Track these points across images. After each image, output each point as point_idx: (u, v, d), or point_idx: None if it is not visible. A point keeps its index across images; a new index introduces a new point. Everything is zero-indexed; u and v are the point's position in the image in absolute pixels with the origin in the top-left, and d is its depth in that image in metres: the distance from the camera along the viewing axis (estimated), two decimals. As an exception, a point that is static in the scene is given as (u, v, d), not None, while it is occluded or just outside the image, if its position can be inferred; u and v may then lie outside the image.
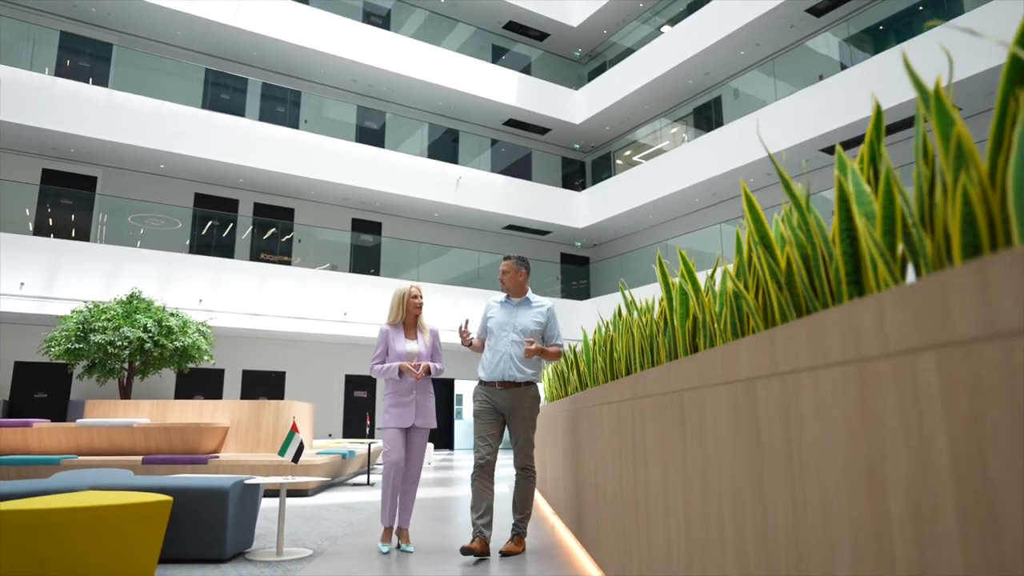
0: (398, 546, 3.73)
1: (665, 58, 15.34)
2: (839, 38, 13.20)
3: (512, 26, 18.59)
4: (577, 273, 19.61)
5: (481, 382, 3.69)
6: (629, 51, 17.57)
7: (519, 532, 3.61)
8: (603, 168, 19.74)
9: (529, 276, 3.82)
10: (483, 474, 3.52)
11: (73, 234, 13.06)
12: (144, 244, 13.51)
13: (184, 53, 14.96)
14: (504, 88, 17.57)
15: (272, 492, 6.39)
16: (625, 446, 2.14)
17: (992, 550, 0.57)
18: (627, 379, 2.15)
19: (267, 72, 15.93)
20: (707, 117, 16.32)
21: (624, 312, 2.65)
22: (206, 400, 7.63)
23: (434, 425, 3.93)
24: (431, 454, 11.51)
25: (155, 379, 12.47)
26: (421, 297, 3.99)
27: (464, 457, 13.99)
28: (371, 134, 16.93)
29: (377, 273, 16.10)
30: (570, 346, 4.22)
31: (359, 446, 9.01)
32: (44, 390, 12.71)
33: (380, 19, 17.60)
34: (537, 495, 6.29)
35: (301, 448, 3.97)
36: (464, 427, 18.24)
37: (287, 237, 15.60)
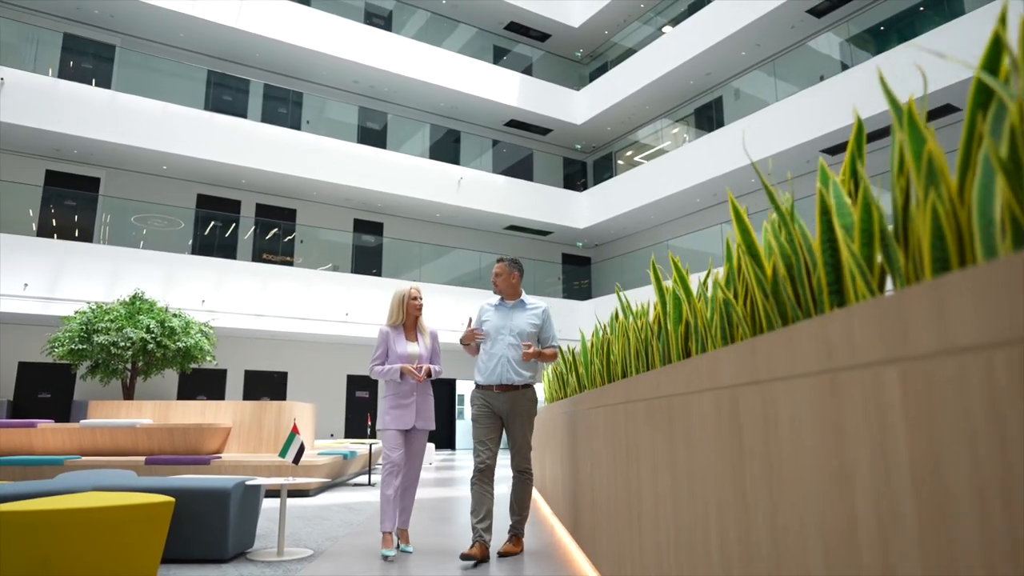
0: (397, 546, 3.74)
1: (666, 58, 15.36)
2: (840, 38, 13.21)
3: (513, 27, 18.62)
4: (578, 273, 19.64)
5: (478, 386, 3.67)
6: (630, 52, 17.59)
7: (516, 533, 3.64)
8: (604, 168, 19.76)
9: (522, 278, 3.80)
10: (483, 478, 3.52)
11: (76, 235, 13.13)
12: (147, 245, 13.57)
13: (186, 54, 15.02)
14: (505, 89, 17.61)
15: (274, 492, 6.43)
16: (619, 449, 2.17)
17: (946, 554, 0.60)
18: (620, 383, 2.19)
19: (269, 73, 15.99)
20: (708, 117, 16.34)
21: (621, 316, 2.68)
22: (208, 401, 7.69)
23: (433, 427, 3.92)
24: (432, 454, 11.56)
25: (158, 379, 12.53)
26: (421, 299, 3.97)
27: (466, 457, 14.03)
28: (373, 135, 16.98)
29: (379, 274, 16.15)
30: (569, 347, 4.24)
31: (360, 446, 9.06)
32: (48, 390, 12.78)
33: (382, 20, 17.65)
34: (537, 496, 6.32)
35: (302, 449, 4.01)
36: (466, 427, 18.28)
37: (289, 238, 15.66)
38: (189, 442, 6.61)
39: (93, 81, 13.57)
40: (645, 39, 17.22)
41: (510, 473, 3.75)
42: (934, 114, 10.11)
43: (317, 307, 14.01)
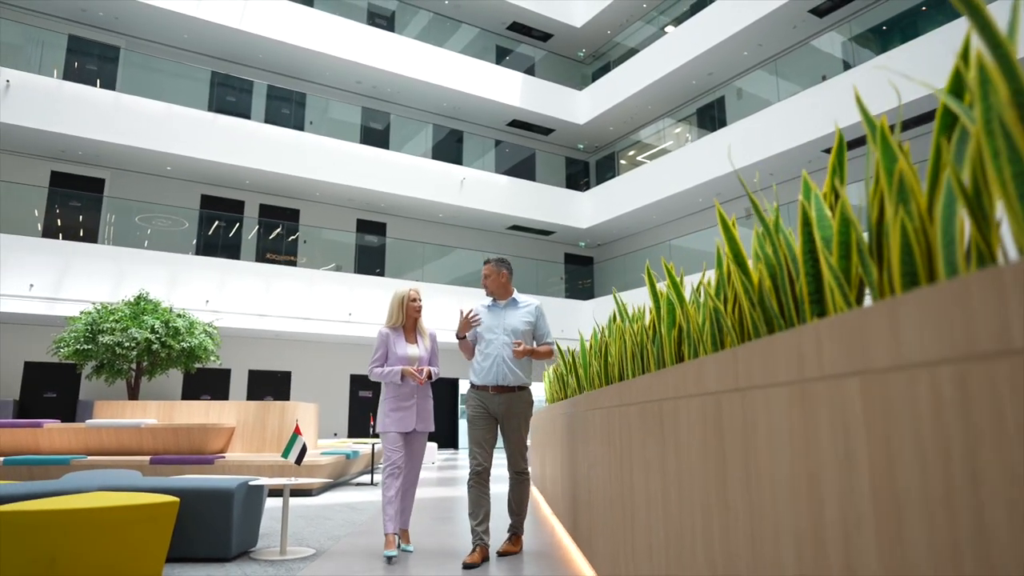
0: (398, 546, 3.78)
1: (668, 58, 15.38)
2: (843, 37, 13.22)
3: (516, 27, 18.66)
4: (581, 273, 19.67)
5: (474, 386, 3.68)
6: (633, 51, 17.61)
7: (516, 532, 3.68)
8: (607, 168, 19.79)
9: (512, 276, 3.80)
10: (480, 481, 3.55)
11: (81, 236, 13.21)
12: (151, 245, 13.66)
13: (190, 56, 15.10)
14: (508, 89, 17.65)
15: (277, 492, 6.48)
16: (613, 451, 2.21)
17: (897, 554, 0.64)
18: (615, 386, 2.23)
19: (272, 74, 16.06)
20: (710, 117, 16.35)
21: (618, 319, 2.72)
22: (212, 400, 7.75)
23: (432, 429, 3.92)
24: (435, 453, 11.61)
25: (162, 379, 12.62)
26: (420, 300, 3.94)
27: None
28: (376, 135, 17.03)
29: (382, 274, 16.21)
30: (569, 349, 4.27)
31: (363, 446, 9.12)
32: (53, 390, 12.88)
33: (384, 21, 17.70)
34: (538, 496, 6.36)
35: (304, 450, 4.05)
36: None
37: (292, 238, 15.74)
38: (193, 442, 6.67)
39: (98, 82, 13.66)
40: (647, 39, 17.24)
41: (506, 473, 3.78)
42: (932, 116, 10.10)
43: (320, 307, 14.08)
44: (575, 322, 15.91)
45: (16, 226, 12.24)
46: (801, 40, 13.78)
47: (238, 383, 14.73)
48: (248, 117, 15.02)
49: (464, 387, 17.99)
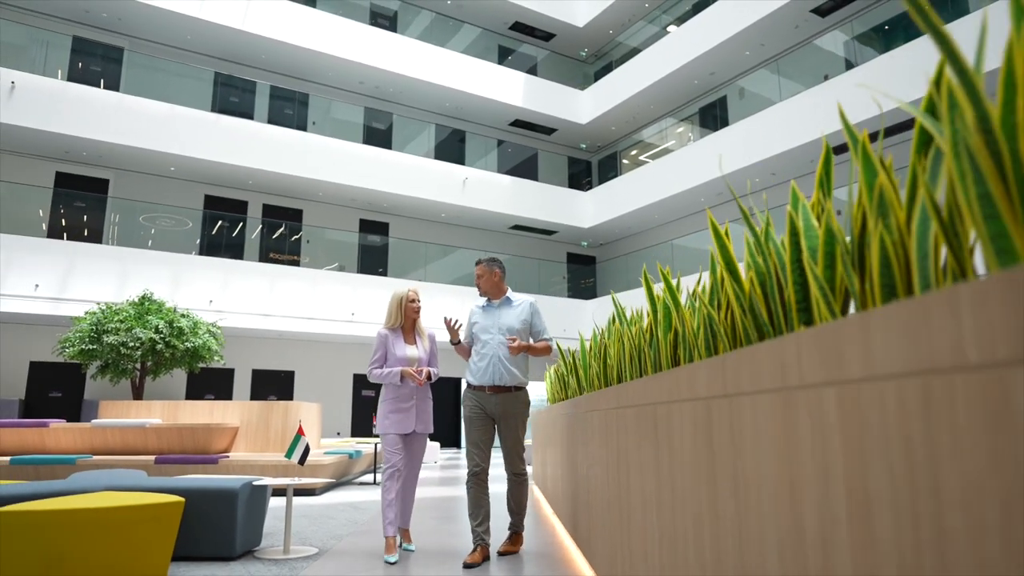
0: (399, 545, 3.81)
1: (671, 58, 15.39)
2: (846, 36, 13.21)
3: (518, 27, 18.68)
4: (583, 272, 19.70)
5: (470, 386, 3.69)
6: (635, 51, 17.62)
7: (516, 531, 3.71)
8: (609, 168, 19.80)
9: (505, 275, 3.81)
10: (479, 481, 3.57)
11: (86, 236, 13.29)
12: (155, 245, 13.73)
13: (194, 56, 15.16)
14: (510, 89, 17.67)
15: (280, 491, 6.53)
16: (611, 452, 2.25)
17: (869, 554, 0.68)
18: (613, 388, 2.26)
19: (275, 74, 16.11)
20: (713, 117, 16.35)
21: (617, 321, 2.75)
22: (216, 400, 7.80)
23: (432, 430, 3.93)
24: (438, 453, 11.65)
25: (166, 379, 12.69)
26: (419, 301, 3.94)
27: (471, 456, 14.10)
28: (378, 135, 17.08)
29: (385, 273, 16.26)
30: (570, 349, 4.30)
31: (366, 445, 9.16)
32: (59, 389, 12.96)
33: (387, 21, 17.74)
34: (539, 496, 6.39)
35: (307, 450, 4.09)
36: (471, 426, 18.34)
37: (295, 238, 15.80)
38: (198, 442, 6.72)
39: (101, 83, 13.73)
40: (650, 39, 17.25)
41: (503, 473, 3.80)
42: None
43: (323, 307, 14.13)
44: (577, 322, 15.94)
45: (21, 226, 12.32)
46: (803, 40, 13.77)
47: (242, 383, 14.80)
48: (251, 117, 15.08)
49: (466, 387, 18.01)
